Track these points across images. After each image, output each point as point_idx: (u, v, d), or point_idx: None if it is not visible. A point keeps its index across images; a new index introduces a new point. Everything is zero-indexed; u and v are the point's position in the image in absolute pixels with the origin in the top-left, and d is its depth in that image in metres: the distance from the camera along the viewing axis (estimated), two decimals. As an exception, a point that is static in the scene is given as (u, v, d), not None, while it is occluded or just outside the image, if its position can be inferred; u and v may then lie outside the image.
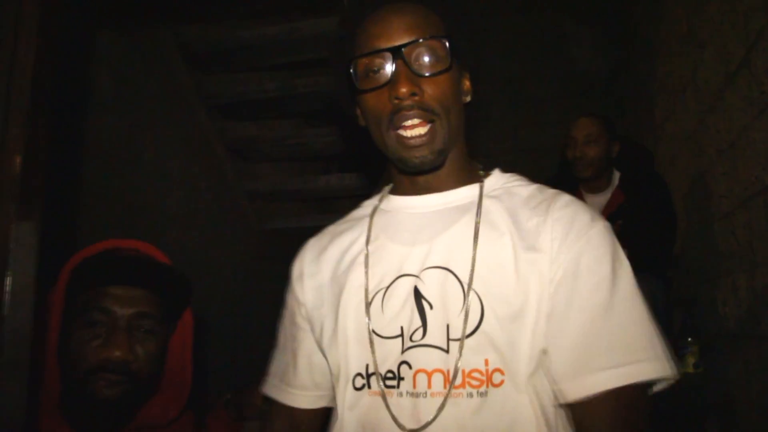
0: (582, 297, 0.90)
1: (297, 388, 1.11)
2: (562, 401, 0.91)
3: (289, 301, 1.13)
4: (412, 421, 0.93)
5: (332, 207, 3.76)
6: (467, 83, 1.07)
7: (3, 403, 0.82)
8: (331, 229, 1.14)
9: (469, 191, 1.05)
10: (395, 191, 1.10)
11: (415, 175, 1.04)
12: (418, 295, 0.96)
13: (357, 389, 0.99)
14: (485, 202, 1.02)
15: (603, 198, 2.48)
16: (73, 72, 2.23)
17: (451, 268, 0.96)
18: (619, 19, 4.01)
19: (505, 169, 1.11)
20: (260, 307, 2.67)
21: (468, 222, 1.00)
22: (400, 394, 0.95)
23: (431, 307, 0.95)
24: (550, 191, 1.03)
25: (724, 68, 2.18)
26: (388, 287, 0.99)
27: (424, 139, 0.95)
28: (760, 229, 1.92)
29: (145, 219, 2.70)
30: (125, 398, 1.15)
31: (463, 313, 0.93)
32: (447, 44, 0.97)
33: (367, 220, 1.09)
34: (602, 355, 0.87)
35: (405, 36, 0.96)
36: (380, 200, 1.12)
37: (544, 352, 0.91)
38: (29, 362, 0.85)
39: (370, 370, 0.98)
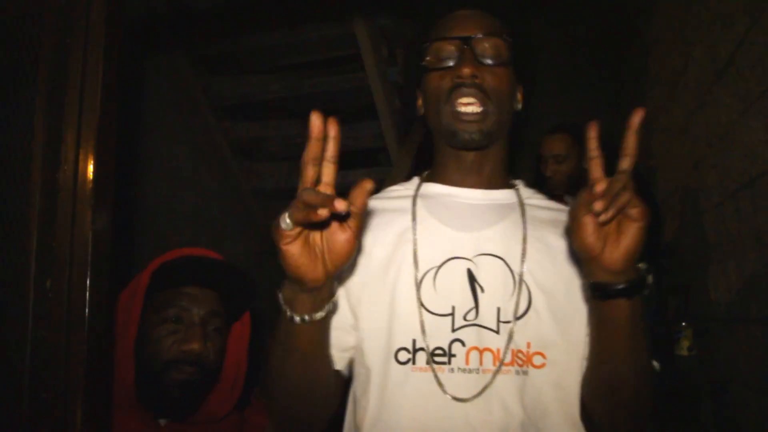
0: None
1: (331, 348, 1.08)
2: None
3: None
4: (462, 393, 0.99)
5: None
6: (520, 94, 1.15)
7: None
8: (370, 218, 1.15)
9: (509, 195, 1.14)
10: (435, 179, 1.16)
11: (462, 152, 1.11)
12: (471, 278, 1.04)
13: (401, 363, 1.01)
14: (526, 206, 1.12)
15: None
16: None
17: (502, 257, 1.05)
18: (613, 16, 4.09)
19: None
20: (268, 300, 2.76)
21: (515, 219, 1.09)
22: (452, 370, 1.00)
23: (483, 290, 1.03)
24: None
25: (713, 66, 2.28)
26: (440, 266, 1.04)
27: (476, 116, 1.04)
28: (748, 219, 2.02)
29: (160, 219, 2.80)
30: (196, 387, 1.27)
31: (514, 298, 1.02)
32: (509, 45, 1.08)
33: (408, 200, 1.13)
34: None
35: (474, 30, 1.08)
36: (418, 187, 1.16)
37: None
38: (107, 358, 0.96)
39: (418, 345, 1.01)
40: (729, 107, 2.15)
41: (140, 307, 1.28)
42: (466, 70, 1.04)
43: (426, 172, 1.20)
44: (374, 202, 1.15)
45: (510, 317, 1.01)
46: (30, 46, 1.08)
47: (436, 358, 1.01)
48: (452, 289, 1.03)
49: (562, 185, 2.44)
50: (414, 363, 1.01)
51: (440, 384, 0.99)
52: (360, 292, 1.07)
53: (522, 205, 1.12)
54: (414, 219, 1.09)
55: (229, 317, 1.36)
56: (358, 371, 1.08)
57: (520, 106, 1.14)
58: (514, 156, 1.19)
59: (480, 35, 1.08)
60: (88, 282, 0.95)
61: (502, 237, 1.06)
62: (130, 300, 1.28)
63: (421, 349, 1.01)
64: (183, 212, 3.01)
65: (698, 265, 2.57)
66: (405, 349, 1.02)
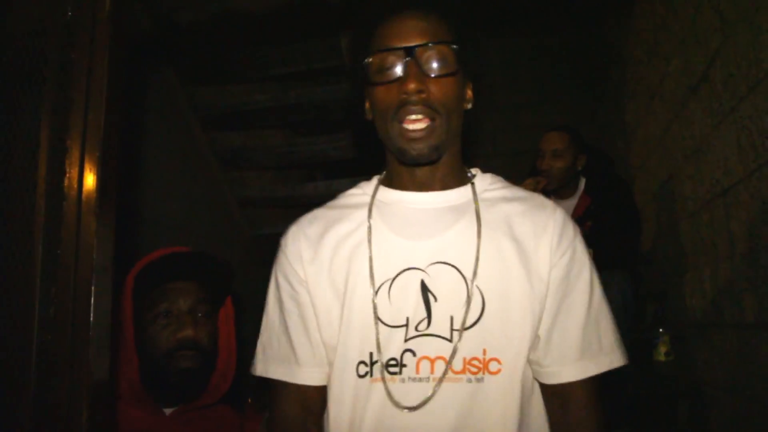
0: (575, 297, 1.06)
1: (309, 365, 1.11)
2: (548, 382, 1.05)
3: (288, 280, 1.12)
4: (410, 402, 1.01)
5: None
6: (470, 92, 1.13)
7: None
8: (322, 214, 1.16)
9: (464, 192, 1.12)
10: (391, 184, 1.15)
11: (413, 167, 1.10)
12: (424, 288, 1.04)
13: (360, 377, 1.04)
14: (480, 204, 1.11)
15: (571, 203, 2.65)
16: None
17: (455, 264, 1.05)
18: (591, 31, 4.19)
19: (484, 170, 1.21)
20: (252, 308, 2.79)
21: (468, 222, 1.08)
22: (402, 380, 1.02)
23: (436, 299, 1.03)
24: (536, 199, 1.13)
25: (687, 81, 2.37)
26: (394, 278, 1.05)
27: (423, 133, 1.02)
28: (722, 228, 2.11)
29: (146, 228, 2.81)
30: (198, 369, 1.40)
31: (466, 305, 1.02)
32: (455, 51, 1.04)
33: (364, 210, 1.13)
34: (593, 345, 1.05)
35: (418, 38, 1.04)
36: (374, 192, 1.16)
37: (537, 344, 1.05)
38: (111, 360, 1.01)
39: (374, 359, 1.03)
40: (703, 121, 2.23)
41: (131, 307, 1.39)
42: (412, 86, 1.01)
43: (384, 173, 1.20)
44: (325, 212, 1.16)
45: (463, 325, 1.02)
46: (36, 60, 1.12)
47: (390, 369, 1.03)
48: (406, 300, 1.04)
49: (556, 179, 2.55)
50: (371, 375, 1.04)
51: (390, 394, 1.02)
52: (324, 309, 1.08)
53: (476, 204, 1.11)
54: (369, 231, 1.10)
55: (214, 303, 1.48)
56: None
57: (470, 105, 1.13)
58: (469, 149, 1.19)
59: (424, 43, 1.04)
60: (92, 288, 0.99)
61: (454, 243, 1.06)
62: (121, 302, 1.37)
63: (377, 361, 1.03)
64: (168, 221, 3.02)
65: (674, 272, 2.65)
66: (363, 362, 1.04)
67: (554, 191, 2.62)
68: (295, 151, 3.46)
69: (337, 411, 1.07)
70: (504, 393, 1.02)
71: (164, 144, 2.97)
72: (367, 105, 1.13)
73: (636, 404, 2.39)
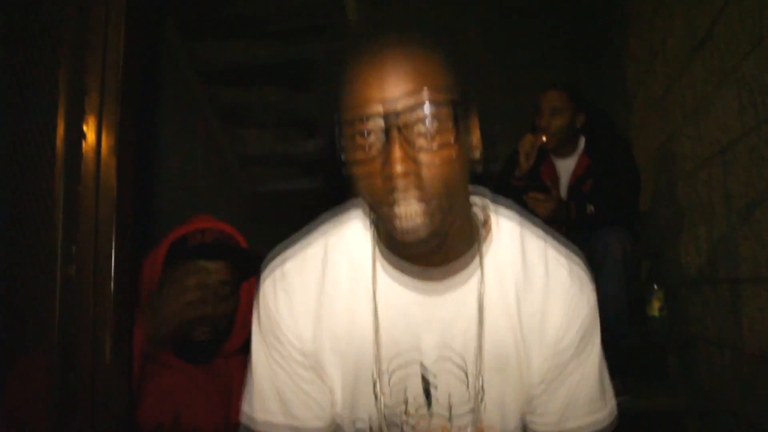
0: (571, 371, 1.01)
1: (316, 419, 1.05)
2: (538, 430, 1.07)
3: (280, 339, 1.02)
4: None
5: (314, 169, 3.88)
6: (477, 134, 0.89)
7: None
8: (313, 268, 1.01)
9: (470, 262, 0.98)
10: (389, 245, 0.98)
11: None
12: (425, 380, 1.01)
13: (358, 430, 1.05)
14: (487, 277, 0.98)
15: (571, 161, 2.67)
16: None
17: (453, 358, 1.00)
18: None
19: (487, 119, 0.95)
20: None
21: (472, 310, 0.98)
22: None
23: (436, 388, 1.01)
24: (555, 271, 0.99)
25: (690, 40, 2.36)
26: (395, 370, 1.01)
27: (417, 221, 0.81)
28: (719, 186, 2.14)
29: (144, 183, 2.82)
30: (212, 341, 1.57)
31: (468, 390, 1.01)
32: (455, 105, 0.80)
33: (363, 281, 1.00)
34: (583, 407, 1.04)
35: (402, 95, 0.78)
36: (374, 253, 1.00)
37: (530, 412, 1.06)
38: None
39: (373, 422, 1.03)
40: (704, 80, 2.24)
41: (160, 269, 1.54)
42: (397, 169, 0.77)
43: (374, 221, 1.01)
44: (314, 255, 1.01)
45: (462, 409, 1.01)
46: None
47: (392, 429, 1.03)
48: (405, 388, 1.01)
49: (555, 137, 2.56)
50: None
51: None
52: (329, 371, 1.03)
53: (480, 300, 0.97)
54: (375, 313, 0.98)
55: (239, 279, 1.60)
56: None
57: (478, 154, 0.89)
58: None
59: (411, 108, 0.78)
60: (113, 241, 1.06)
61: (456, 339, 0.98)
62: (152, 267, 1.55)
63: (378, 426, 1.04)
64: (167, 178, 3.02)
65: (670, 231, 2.70)
66: (361, 419, 1.05)
67: (553, 150, 2.63)
68: (295, 108, 3.45)
69: None
70: None
71: (163, 99, 2.96)
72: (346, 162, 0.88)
73: (629, 358, 2.45)
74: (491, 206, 1.02)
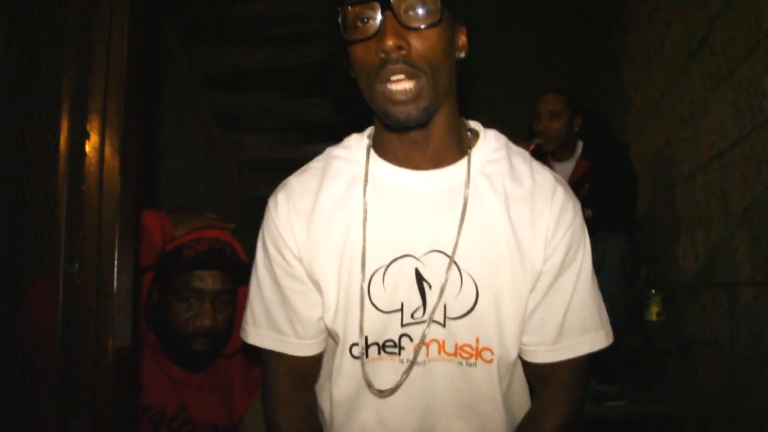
0: (563, 280, 1.04)
1: (303, 337, 1.09)
2: (527, 359, 1.08)
3: (281, 252, 1.08)
4: (409, 382, 1.04)
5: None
6: (463, 38, 1.03)
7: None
8: (311, 182, 1.09)
9: (461, 169, 1.04)
10: (382, 153, 1.07)
11: (401, 132, 1.02)
12: (419, 277, 1.02)
13: (355, 357, 1.05)
14: (477, 181, 1.04)
15: (569, 165, 2.69)
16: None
17: (449, 253, 1.01)
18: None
19: (485, 124, 1.13)
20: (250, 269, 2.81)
21: (460, 203, 1.02)
22: (401, 361, 1.04)
23: (430, 287, 1.02)
24: (537, 177, 1.06)
25: (687, 45, 2.38)
26: (389, 265, 1.02)
27: (409, 95, 0.92)
28: (716, 189, 2.15)
29: (144, 188, 2.81)
30: (211, 350, 1.55)
31: (459, 294, 1.01)
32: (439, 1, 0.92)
33: (358, 183, 1.06)
34: (574, 327, 1.05)
35: None
36: (367, 159, 1.08)
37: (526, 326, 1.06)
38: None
39: (370, 341, 1.04)
40: (702, 84, 2.26)
41: (150, 280, 1.56)
42: (390, 43, 0.90)
43: (373, 135, 1.11)
44: (324, 181, 1.08)
45: (457, 313, 1.02)
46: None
47: (387, 350, 1.04)
48: (400, 287, 1.02)
49: (553, 140, 2.58)
50: (368, 357, 1.05)
51: (366, 376, 1.05)
52: (321, 284, 1.05)
53: (466, 190, 1.03)
54: (365, 213, 1.03)
55: (236, 286, 1.59)
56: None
57: (463, 54, 1.03)
58: (465, 102, 1.11)
59: None
60: (116, 242, 1.06)
61: (447, 231, 1.02)
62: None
63: (374, 343, 1.04)
64: (166, 180, 3.02)
65: (668, 235, 2.71)
66: (356, 344, 1.04)
67: (552, 153, 2.65)
68: (294, 112, 3.46)
69: (331, 387, 1.09)
70: (496, 377, 1.05)
71: (162, 102, 2.96)
72: (351, 71, 1.03)
73: (627, 362, 2.46)
74: (481, 126, 1.12)
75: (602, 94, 4.00)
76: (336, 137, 3.68)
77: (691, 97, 2.37)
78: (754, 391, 1.87)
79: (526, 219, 1.02)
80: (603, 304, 1.10)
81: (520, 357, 1.09)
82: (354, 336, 1.04)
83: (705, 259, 2.28)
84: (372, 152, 1.09)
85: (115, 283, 1.15)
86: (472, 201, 1.02)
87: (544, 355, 1.06)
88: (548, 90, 2.71)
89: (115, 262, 1.16)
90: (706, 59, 2.21)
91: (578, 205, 1.08)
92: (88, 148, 1.19)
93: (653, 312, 2.58)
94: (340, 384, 1.07)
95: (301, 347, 1.10)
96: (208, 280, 1.53)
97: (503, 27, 4.33)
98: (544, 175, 1.07)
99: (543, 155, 2.67)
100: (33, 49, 1.23)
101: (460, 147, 1.07)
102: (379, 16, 0.92)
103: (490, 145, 1.08)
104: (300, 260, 1.06)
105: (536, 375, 1.10)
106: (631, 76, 3.37)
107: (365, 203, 1.04)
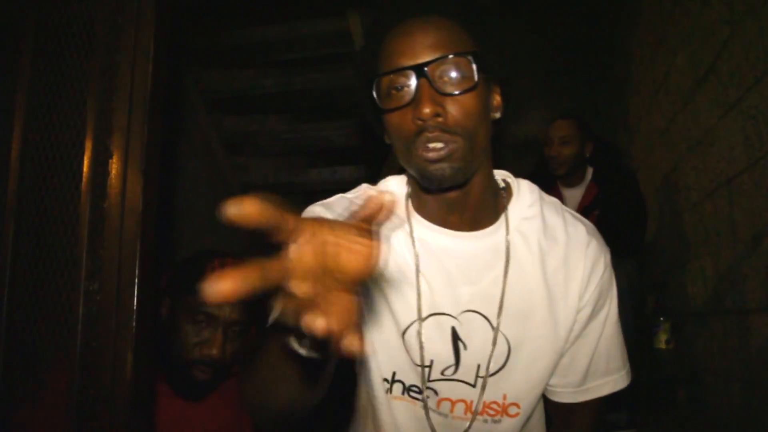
0: (591, 327, 1.06)
1: None
2: (552, 399, 1.10)
3: None
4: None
5: (320, 198, 3.90)
6: (497, 98, 1.03)
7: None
8: (343, 199, 1.10)
9: (497, 231, 1.04)
10: (422, 211, 1.07)
11: (438, 193, 1.01)
12: (455, 336, 1.02)
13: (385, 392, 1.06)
14: (514, 241, 1.04)
15: (578, 191, 2.70)
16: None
17: (484, 313, 1.01)
18: (595, 25, 4.24)
19: (516, 172, 1.14)
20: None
21: (500, 269, 1.02)
22: (423, 407, 1.05)
23: (465, 348, 1.02)
24: (571, 231, 1.06)
25: (694, 73, 2.41)
26: (424, 319, 1.02)
27: (442, 153, 0.92)
28: (724, 217, 2.15)
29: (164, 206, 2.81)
30: (213, 381, 1.46)
31: (492, 353, 1.02)
32: (474, 60, 0.92)
33: (403, 233, 1.06)
34: (599, 369, 1.08)
35: (429, 53, 0.92)
36: (408, 215, 1.07)
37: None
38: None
39: (397, 378, 1.04)
40: (708, 112, 2.28)
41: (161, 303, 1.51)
42: (426, 110, 0.89)
43: (411, 193, 1.09)
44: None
45: (487, 372, 1.02)
46: (85, 24, 1.16)
47: (412, 394, 1.05)
48: (435, 343, 1.02)
49: (564, 166, 2.59)
50: (391, 393, 1.05)
51: (428, 416, 1.04)
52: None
53: (507, 248, 1.03)
54: (417, 263, 1.03)
55: (251, 320, 1.52)
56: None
57: (498, 114, 1.02)
58: (499, 157, 1.09)
59: (436, 58, 0.91)
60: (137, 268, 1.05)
61: (485, 291, 1.02)
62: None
63: (399, 381, 1.05)
64: (170, 203, 3.02)
65: (676, 262, 2.70)
66: (385, 380, 1.05)
67: (562, 178, 2.66)
68: (299, 137, 3.48)
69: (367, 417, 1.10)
70: (518, 428, 1.07)
71: (169, 125, 2.97)
72: (385, 136, 1.04)
73: (636, 391, 2.43)
74: (512, 177, 1.12)
75: (607, 120, 4.03)
76: (340, 163, 3.70)
77: (698, 125, 2.39)
78: (767, 421, 1.85)
79: (560, 277, 1.03)
80: (624, 345, 1.11)
81: (543, 395, 1.11)
82: (380, 371, 1.05)
83: (714, 287, 2.28)
84: (411, 208, 1.08)
85: (135, 301, 1.15)
86: (510, 262, 1.02)
87: (568, 396, 1.09)
88: (559, 115, 2.73)
89: (136, 281, 1.16)
90: (713, 87, 2.23)
91: (609, 254, 1.08)
92: (111, 166, 1.20)
93: (662, 340, 2.56)
94: (380, 412, 1.07)
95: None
96: (226, 308, 1.44)
97: (509, 56, 4.36)
98: (577, 228, 1.07)
99: (553, 180, 2.68)
100: (59, 68, 1.24)
101: (495, 206, 1.06)
102: (413, 83, 0.92)
103: (524, 200, 1.08)
104: None
105: (556, 409, 1.13)
106: (637, 103, 3.40)
107: (416, 255, 1.03)
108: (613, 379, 1.08)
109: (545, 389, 1.09)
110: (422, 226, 1.05)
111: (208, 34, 3.08)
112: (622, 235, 2.46)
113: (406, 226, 1.05)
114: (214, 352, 1.42)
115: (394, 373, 1.04)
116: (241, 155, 3.59)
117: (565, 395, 1.09)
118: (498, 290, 1.01)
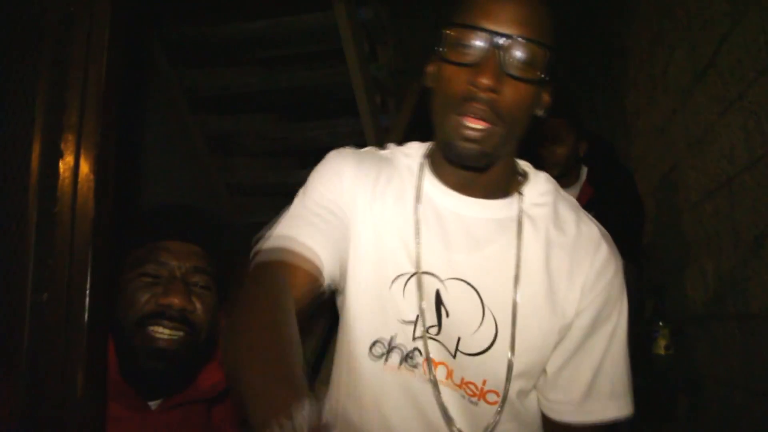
0: (596, 340, 0.99)
1: (317, 246, 0.94)
2: (550, 417, 1.03)
3: (330, 184, 1.03)
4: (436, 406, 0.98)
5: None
6: (547, 97, 1.01)
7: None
8: (377, 164, 1.07)
9: (510, 205, 1.03)
10: (437, 171, 1.05)
11: (456, 166, 1.00)
12: (438, 300, 0.98)
13: (376, 357, 0.99)
14: (524, 222, 1.01)
15: (573, 192, 2.61)
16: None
17: (477, 287, 0.97)
18: (593, 22, 4.17)
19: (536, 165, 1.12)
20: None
21: (505, 245, 0.99)
22: (415, 378, 0.99)
23: (447, 315, 0.97)
24: (583, 227, 1.03)
25: (693, 68, 2.33)
26: (410, 276, 0.99)
27: (478, 135, 0.90)
28: (725, 217, 2.07)
29: (128, 213, 2.72)
30: (183, 352, 1.14)
31: (478, 332, 0.97)
32: (547, 55, 0.91)
33: (411, 189, 1.04)
34: (607, 387, 1.01)
35: (514, 27, 0.89)
36: (420, 172, 1.06)
37: (542, 377, 1.01)
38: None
39: (394, 344, 0.98)
40: (708, 108, 2.20)
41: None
42: (485, 80, 0.87)
43: (431, 149, 1.08)
44: (387, 170, 1.05)
45: (470, 350, 0.97)
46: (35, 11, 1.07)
47: (409, 362, 0.99)
48: (418, 301, 0.98)
49: (557, 166, 2.51)
50: (386, 361, 0.99)
51: (408, 389, 0.99)
52: (357, 246, 1.00)
53: (520, 223, 1.01)
54: (417, 220, 1.00)
55: (218, 281, 1.23)
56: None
57: (542, 112, 1.00)
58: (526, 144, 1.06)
59: (516, 36, 0.88)
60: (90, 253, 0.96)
61: (481, 264, 0.98)
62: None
63: (396, 348, 0.99)
64: (152, 205, 2.94)
65: (675, 265, 2.62)
66: (380, 342, 1.00)
67: (556, 179, 2.57)
68: (287, 137, 3.39)
69: (344, 387, 1.03)
70: (498, 419, 0.99)
71: (151, 125, 2.88)
72: (430, 69, 0.98)
73: (634, 398, 2.35)
74: (533, 168, 1.11)
75: (604, 118, 3.96)
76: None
77: (698, 122, 2.31)
78: (772, 430, 1.77)
79: (564, 268, 0.99)
80: (630, 371, 1.06)
81: (543, 414, 1.04)
82: (372, 331, 0.99)
83: (715, 290, 2.20)
84: (426, 167, 1.07)
85: (86, 315, 1.06)
86: (514, 242, 0.99)
87: (570, 414, 1.00)
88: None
89: (87, 293, 1.07)
90: (712, 83, 2.15)
91: (621, 264, 1.04)
92: (61, 167, 1.10)
93: (661, 345, 2.48)
94: (367, 387, 1.01)
95: (311, 254, 0.93)
96: (180, 254, 1.17)
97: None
98: (590, 227, 1.04)
99: None
100: (6, 60, 1.14)
101: (509, 187, 1.05)
102: (484, 47, 0.89)
103: (539, 188, 1.07)
104: (350, 204, 1.01)
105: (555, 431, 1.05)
106: (634, 101, 3.32)
107: (418, 212, 1.01)
108: (617, 405, 1.01)
109: (545, 405, 1.03)
110: (432, 185, 1.04)
111: (191, 29, 2.99)
112: (619, 236, 2.36)
113: (415, 181, 1.04)
114: (175, 300, 1.12)
115: (392, 338, 0.98)
116: (228, 155, 3.50)
117: (565, 413, 1.01)
118: (495, 265, 0.98)
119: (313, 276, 0.94)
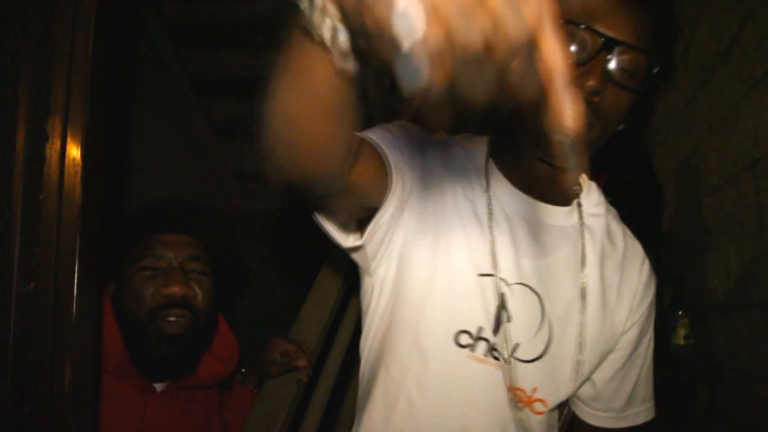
0: (638, 354, 1.09)
1: (392, 158, 0.89)
2: (588, 422, 1.09)
3: (409, 148, 0.97)
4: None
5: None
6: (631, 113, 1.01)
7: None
8: (446, 148, 1.05)
9: (572, 213, 1.05)
10: (504, 169, 1.04)
11: (534, 166, 0.97)
12: (502, 304, 0.97)
13: (461, 346, 0.96)
14: (585, 232, 1.04)
15: None
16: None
17: (540, 294, 0.99)
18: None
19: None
20: (246, 285, 2.68)
21: (569, 254, 1.01)
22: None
23: (509, 320, 0.97)
24: (630, 241, 1.09)
25: (715, 46, 2.24)
26: (484, 276, 0.98)
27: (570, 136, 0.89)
28: (749, 202, 1.98)
29: (133, 201, 2.67)
30: (188, 334, 1.23)
31: (536, 338, 0.98)
32: (654, 68, 0.90)
33: (479, 182, 1.02)
34: (638, 396, 1.12)
35: (630, 33, 0.87)
36: (486, 166, 1.03)
37: (586, 384, 1.05)
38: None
39: (482, 335, 0.96)
40: (732, 88, 2.10)
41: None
42: (592, 83, 0.85)
43: (494, 145, 1.06)
44: (455, 160, 1.03)
45: (524, 356, 0.98)
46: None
47: (494, 353, 0.98)
48: (479, 303, 0.97)
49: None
50: (473, 350, 0.98)
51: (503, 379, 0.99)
52: (417, 226, 0.96)
53: (581, 232, 1.02)
54: (489, 212, 0.99)
55: (213, 267, 1.31)
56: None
57: (623, 125, 1.01)
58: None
59: (629, 43, 0.86)
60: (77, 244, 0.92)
61: (546, 270, 0.99)
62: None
63: (483, 339, 0.98)
64: (158, 193, 2.89)
65: (695, 252, 2.54)
66: (468, 333, 1.00)
67: None
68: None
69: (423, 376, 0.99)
70: (539, 427, 1.02)
71: (154, 111, 2.83)
72: None
73: (653, 390, 2.28)
74: (585, 176, 1.11)
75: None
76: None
77: (720, 103, 2.22)
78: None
79: (615, 280, 1.02)
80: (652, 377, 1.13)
81: (577, 417, 1.09)
82: (456, 318, 0.97)
83: (738, 278, 2.11)
84: (491, 163, 1.05)
85: (74, 305, 1.02)
86: (576, 252, 1.01)
87: (610, 421, 1.07)
88: None
89: (75, 282, 1.02)
90: (737, 61, 2.05)
91: (654, 278, 1.13)
92: (47, 151, 1.05)
93: (680, 335, 2.41)
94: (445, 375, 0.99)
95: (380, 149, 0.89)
96: (175, 245, 1.25)
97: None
98: (634, 241, 1.10)
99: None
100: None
101: (570, 193, 1.07)
102: (590, 52, 0.86)
103: (593, 198, 1.10)
104: (414, 173, 0.95)
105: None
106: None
107: (490, 212, 0.99)
108: (646, 408, 1.12)
109: (585, 412, 1.08)
110: (501, 186, 1.03)
111: (195, 12, 2.91)
112: (637, 222, 2.28)
113: (483, 182, 1.02)
114: (176, 289, 1.21)
115: (480, 328, 0.95)
116: (234, 141, 3.43)
117: (606, 420, 1.07)
118: (559, 274, 0.99)
119: (381, 161, 0.87)
